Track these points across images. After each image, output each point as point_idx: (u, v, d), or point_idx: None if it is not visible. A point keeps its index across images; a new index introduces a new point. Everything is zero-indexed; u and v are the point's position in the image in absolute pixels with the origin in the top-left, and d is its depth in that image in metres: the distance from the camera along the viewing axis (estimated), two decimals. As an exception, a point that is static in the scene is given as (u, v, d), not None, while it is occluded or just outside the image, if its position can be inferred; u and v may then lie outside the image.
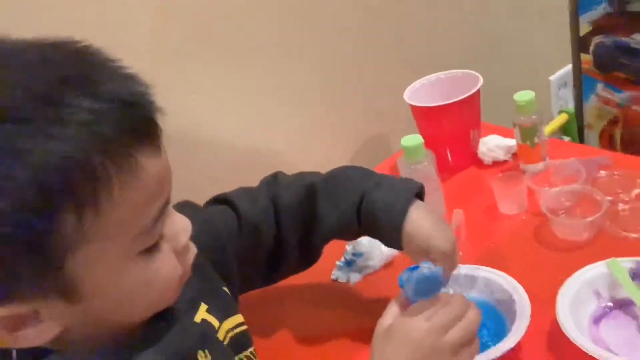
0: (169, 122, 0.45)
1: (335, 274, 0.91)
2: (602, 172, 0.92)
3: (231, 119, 1.03)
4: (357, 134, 1.26)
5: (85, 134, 0.38)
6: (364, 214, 0.72)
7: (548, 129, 1.50)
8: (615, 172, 0.92)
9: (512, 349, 0.66)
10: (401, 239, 0.68)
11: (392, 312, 0.59)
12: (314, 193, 0.75)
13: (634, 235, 0.80)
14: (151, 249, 0.46)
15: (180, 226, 0.50)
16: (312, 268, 0.82)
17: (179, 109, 0.83)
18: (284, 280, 0.82)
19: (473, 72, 1.07)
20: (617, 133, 1.73)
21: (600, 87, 1.70)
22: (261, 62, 1.04)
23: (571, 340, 0.63)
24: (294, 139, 1.14)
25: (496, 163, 1.07)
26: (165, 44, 0.90)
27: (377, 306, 0.77)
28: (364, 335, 0.74)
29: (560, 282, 0.71)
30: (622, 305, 0.70)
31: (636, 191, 0.87)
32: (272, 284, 0.81)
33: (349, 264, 0.90)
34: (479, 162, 1.08)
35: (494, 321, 0.73)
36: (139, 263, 0.45)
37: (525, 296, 0.71)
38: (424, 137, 0.93)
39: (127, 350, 0.49)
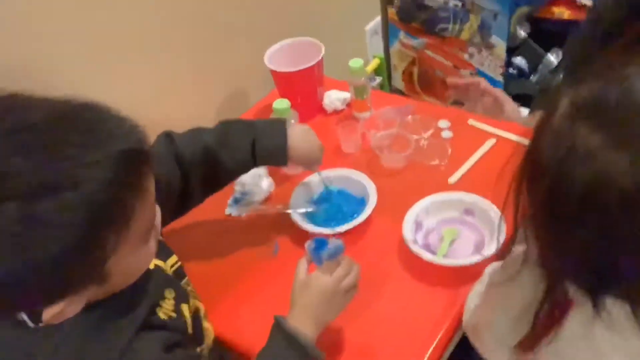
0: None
1: (228, 210, 1.17)
2: (410, 117, 1.29)
3: (91, 77, 1.09)
4: (217, 91, 1.47)
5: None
6: (259, 156, 0.99)
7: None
8: (418, 116, 1.29)
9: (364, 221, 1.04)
10: (287, 156, 0.99)
11: (303, 269, 0.86)
12: (212, 149, 0.97)
13: (433, 162, 1.19)
14: (148, 237, 0.67)
15: (159, 217, 0.71)
16: (210, 206, 1.05)
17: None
18: (189, 218, 1.04)
19: (316, 41, 1.35)
20: (415, 71, 2.16)
21: (402, 34, 2.08)
22: (123, 18, 1.13)
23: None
24: (158, 96, 1.27)
25: (335, 112, 1.39)
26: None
27: (262, 233, 1.07)
28: (254, 255, 1.06)
29: (399, 194, 1.09)
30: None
31: (431, 131, 1.26)
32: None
33: (237, 201, 1.17)
34: (323, 112, 1.40)
35: (351, 203, 1.11)
36: (144, 249, 0.67)
37: (373, 186, 1.09)
38: (280, 94, 1.22)
39: (121, 298, 0.69)
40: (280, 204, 1.13)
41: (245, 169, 1.03)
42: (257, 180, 1.16)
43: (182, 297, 0.83)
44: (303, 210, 1.10)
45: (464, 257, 0.97)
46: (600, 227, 0.52)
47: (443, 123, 1.27)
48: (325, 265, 0.84)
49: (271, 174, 1.21)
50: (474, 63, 1.98)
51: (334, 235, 0.98)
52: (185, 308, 0.82)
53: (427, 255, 0.96)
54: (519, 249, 0.68)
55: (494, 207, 1.00)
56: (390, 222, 1.07)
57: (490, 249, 0.95)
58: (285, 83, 1.33)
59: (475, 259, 0.94)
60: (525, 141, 0.59)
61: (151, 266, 0.80)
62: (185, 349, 0.77)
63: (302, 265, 0.87)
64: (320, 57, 1.30)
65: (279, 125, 1.01)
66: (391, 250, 1.04)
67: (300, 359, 0.80)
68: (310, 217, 1.11)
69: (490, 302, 0.77)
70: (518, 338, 0.68)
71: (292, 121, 1.22)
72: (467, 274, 0.92)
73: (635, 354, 0.62)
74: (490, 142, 1.20)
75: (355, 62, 1.28)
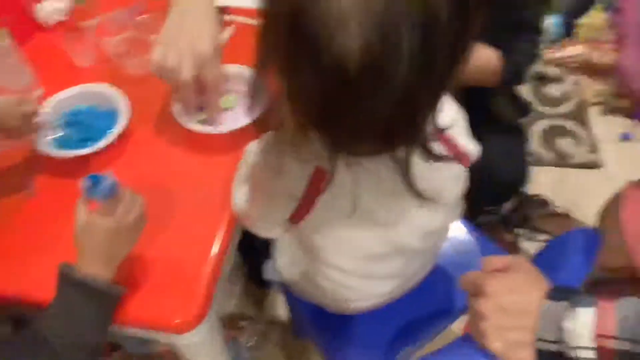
0: None
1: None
2: (143, 17, 1.20)
3: None
4: None
5: None
6: None
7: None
8: (152, 15, 1.20)
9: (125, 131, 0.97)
10: None
11: (82, 211, 0.77)
12: None
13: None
14: None
15: None
16: None
17: None
18: None
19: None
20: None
21: None
22: None
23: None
24: None
25: (58, 24, 1.22)
26: None
27: (9, 175, 0.93)
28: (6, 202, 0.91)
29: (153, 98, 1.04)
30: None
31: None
32: None
33: None
34: (42, 28, 1.22)
35: (103, 118, 1.03)
36: None
37: (118, 95, 1.03)
38: None
39: None
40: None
41: None
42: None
43: None
44: (49, 137, 0.99)
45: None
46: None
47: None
48: (103, 206, 0.77)
49: None
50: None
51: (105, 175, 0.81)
52: None
53: (201, 128, 0.97)
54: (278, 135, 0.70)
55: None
56: (153, 128, 1.03)
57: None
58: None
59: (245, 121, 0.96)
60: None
61: None
62: None
63: (81, 207, 0.78)
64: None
65: None
66: (162, 153, 1.01)
67: (99, 302, 0.76)
68: (63, 143, 1.00)
69: (257, 199, 0.79)
70: (287, 216, 0.75)
71: (11, 47, 1.04)
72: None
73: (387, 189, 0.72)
74: (229, 30, 1.20)
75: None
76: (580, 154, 1.93)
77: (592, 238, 0.95)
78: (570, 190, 1.84)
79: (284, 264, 1.02)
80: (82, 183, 0.77)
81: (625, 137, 1.94)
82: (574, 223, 1.70)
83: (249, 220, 0.86)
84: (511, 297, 0.63)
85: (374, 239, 0.79)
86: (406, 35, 0.48)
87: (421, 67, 0.51)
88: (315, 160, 0.66)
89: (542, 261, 0.95)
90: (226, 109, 1.04)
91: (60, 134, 1.00)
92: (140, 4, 1.24)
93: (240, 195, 0.84)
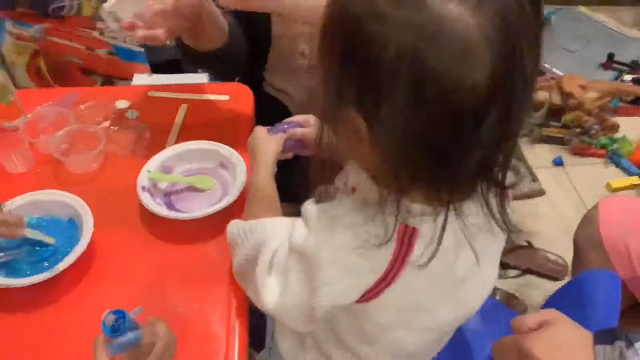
0: None
1: None
2: (81, 107, 1.06)
3: None
4: None
5: None
6: None
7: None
8: (91, 103, 1.07)
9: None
10: None
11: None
12: None
13: (131, 149, 1.00)
14: None
15: None
16: None
17: None
18: None
19: None
20: (42, 64, 1.85)
21: (10, 24, 1.74)
22: None
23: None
24: None
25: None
26: None
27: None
28: None
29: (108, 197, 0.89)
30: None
31: (112, 116, 1.06)
32: None
33: None
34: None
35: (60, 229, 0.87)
36: None
37: (75, 199, 0.87)
38: None
39: None
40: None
41: None
42: None
43: None
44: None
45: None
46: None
47: (122, 103, 1.08)
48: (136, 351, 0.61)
49: None
50: (108, 40, 1.80)
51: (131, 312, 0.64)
52: None
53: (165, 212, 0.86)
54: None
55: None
56: (115, 229, 0.88)
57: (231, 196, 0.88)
58: None
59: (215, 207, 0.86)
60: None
61: None
62: None
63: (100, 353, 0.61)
64: None
65: None
66: (134, 254, 0.85)
67: None
68: (11, 268, 0.82)
69: (308, 285, 0.61)
70: (356, 297, 0.61)
71: None
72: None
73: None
74: (183, 108, 1.09)
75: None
76: (523, 185, 1.97)
77: (611, 277, 0.92)
78: (524, 221, 1.87)
79: (289, 349, 0.89)
80: (105, 320, 0.60)
81: (559, 163, 2.02)
82: (539, 252, 1.71)
83: (286, 316, 0.67)
84: (561, 353, 0.61)
85: (450, 305, 0.68)
86: (526, 54, 0.47)
87: (533, 85, 0.50)
88: (403, 218, 0.56)
89: (563, 306, 0.91)
90: (201, 190, 0.93)
91: (3, 259, 0.82)
92: (72, 94, 1.10)
93: (271, 290, 0.66)
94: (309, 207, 0.62)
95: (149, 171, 0.91)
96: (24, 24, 1.73)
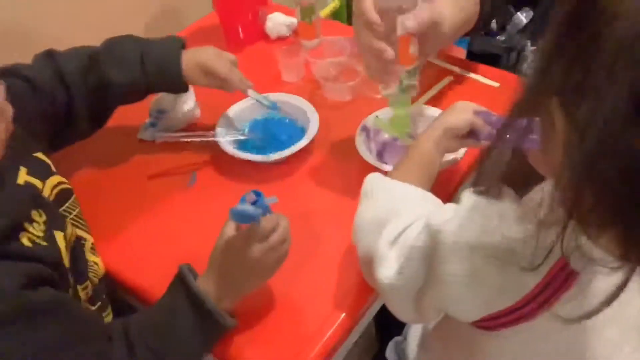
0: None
1: (141, 134, 1.00)
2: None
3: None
4: (148, 6, 1.29)
5: None
6: (149, 73, 0.86)
7: (323, 12, 1.69)
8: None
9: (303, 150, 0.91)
10: (183, 82, 0.88)
11: (232, 227, 0.68)
12: (97, 60, 0.84)
13: (378, 96, 1.05)
14: None
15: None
16: (121, 129, 0.91)
17: None
18: (98, 141, 0.90)
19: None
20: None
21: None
22: None
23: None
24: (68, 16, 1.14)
25: (280, 38, 1.23)
26: None
27: (178, 161, 0.91)
28: (165, 186, 0.91)
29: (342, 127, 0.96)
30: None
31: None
32: (69, 144, 0.88)
33: (153, 124, 1.00)
34: (266, 37, 1.23)
35: (289, 130, 0.98)
36: None
37: (315, 114, 0.96)
38: (217, 12, 1.05)
39: None
40: (206, 131, 0.96)
41: (137, 90, 0.88)
42: (177, 101, 0.99)
43: (55, 222, 0.67)
44: (232, 137, 0.95)
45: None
46: None
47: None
48: (251, 228, 0.66)
49: (201, 100, 1.04)
50: None
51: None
52: (59, 236, 0.66)
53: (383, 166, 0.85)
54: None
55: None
56: (331, 156, 0.94)
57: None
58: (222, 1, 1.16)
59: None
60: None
61: (20, 181, 0.65)
62: (57, 287, 0.62)
63: (231, 223, 0.69)
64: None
65: (172, 40, 0.89)
66: (332, 183, 0.90)
67: (205, 325, 0.66)
68: (243, 145, 0.96)
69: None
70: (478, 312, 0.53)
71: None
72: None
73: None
74: (446, 80, 1.07)
75: (303, -21, 1.11)
76: None
77: None
78: None
79: (416, 348, 0.82)
80: (245, 196, 0.67)
81: None
82: None
83: (396, 296, 0.62)
84: None
85: None
86: None
87: None
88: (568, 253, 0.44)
89: None
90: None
91: (242, 137, 0.96)
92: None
93: (389, 264, 0.60)
94: (468, 194, 0.55)
95: (377, 117, 0.93)
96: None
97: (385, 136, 0.95)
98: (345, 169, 0.92)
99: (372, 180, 0.70)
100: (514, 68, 1.38)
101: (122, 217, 0.88)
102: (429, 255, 0.55)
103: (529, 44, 1.37)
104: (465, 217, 0.53)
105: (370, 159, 0.87)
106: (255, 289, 0.71)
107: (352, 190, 0.82)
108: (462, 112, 0.74)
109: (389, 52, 0.73)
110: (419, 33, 0.74)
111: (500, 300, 0.50)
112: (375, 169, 0.84)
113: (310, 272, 0.78)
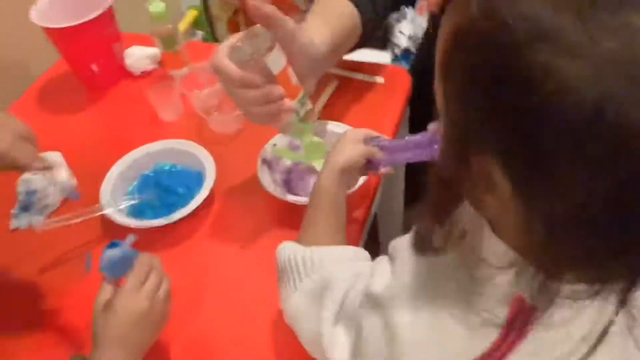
0: None
1: (15, 223, 0.87)
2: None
3: None
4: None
5: None
6: None
7: (181, 26, 1.57)
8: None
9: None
10: None
11: (107, 289, 0.65)
12: None
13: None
14: None
15: None
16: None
17: None
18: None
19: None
20: (242, 21, 1.93)
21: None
22: None
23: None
24: None
25: (145, 73, 1.12)
26: None
27: (67, 245, 0.80)
28: (58, 276, 0.81)
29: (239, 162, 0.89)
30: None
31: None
32: None
33: (25, 208, 0.87)
34: (130, 75, 1.11)
35: (185, 180, 0.90)
36: None
37: (208, 155, 0.89)
38: (65, 59, 0.93)
39: None
40: (92, 204, 0.84)
41: None
42: (47, 175, 0.86)
43: None
44: (124, 204, 0.85)
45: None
46: None
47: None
48: (129, 280, 0.64)
49: (72, 166, 0.91)
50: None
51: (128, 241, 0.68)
52: None
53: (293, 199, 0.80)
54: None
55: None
56: (236, 196, 0.88)
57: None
58: (68, 43, 1.02)
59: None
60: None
61: None
62: None
63: (105, 284, 0.66)
64: (108, 4, 1.01)
65: None
66: (242, 224, 0.85)
67: None
68: (138, 211, 0.86)
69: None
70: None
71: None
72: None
73: None
74: (333, 84, 1.03)
75: (156, 6, 1.01)
76: None
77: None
78: None
79: None
80: (106, 251, 0.65)
81: None
82: None
83: None
84: None
85: None
86: None
87: None
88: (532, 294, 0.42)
89: None
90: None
91: (134, 201, 0.86)
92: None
93: (340, 344, 0.55)
94: (400, 245, 0.52)
95: (274, 145, 0.87)
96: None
97: (288, 162, 0.89)
98: (253, 206, 0.86)
99: (285, 254, 0.63)
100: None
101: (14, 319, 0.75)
102: (381, 325, 0.50)
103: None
104: (403, 278, 0.50)
105: (278, 192, 0.82)
106: (150, 344, 0.66)
107: (265, 225, 0.83)
108: (354, 145, 0.71)
109: (278, 89, 0.69)
110: (294, 60, 0.71)
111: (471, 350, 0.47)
112: (285, 203, 0.80)
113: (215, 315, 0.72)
